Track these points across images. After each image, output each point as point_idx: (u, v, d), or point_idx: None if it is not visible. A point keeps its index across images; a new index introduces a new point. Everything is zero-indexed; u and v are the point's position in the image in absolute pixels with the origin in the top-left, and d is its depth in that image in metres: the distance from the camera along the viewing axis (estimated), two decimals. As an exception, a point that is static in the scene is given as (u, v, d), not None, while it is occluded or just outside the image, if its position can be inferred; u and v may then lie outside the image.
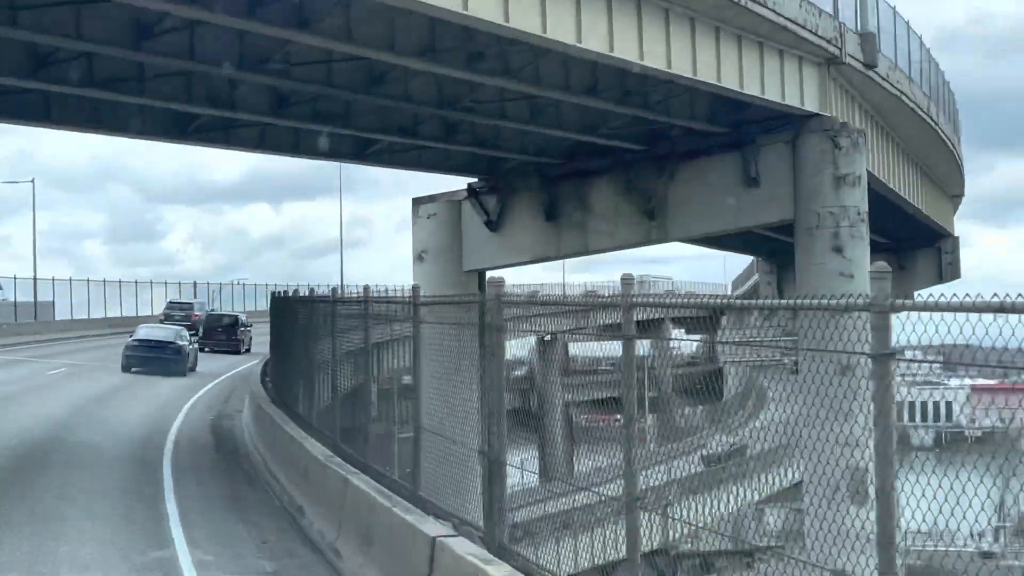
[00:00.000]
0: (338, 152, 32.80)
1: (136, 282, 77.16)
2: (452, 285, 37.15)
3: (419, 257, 38.03)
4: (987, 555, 30.53)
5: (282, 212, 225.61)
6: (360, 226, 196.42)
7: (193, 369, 42.08)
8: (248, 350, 52.82)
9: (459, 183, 38.68)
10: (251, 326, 56.67)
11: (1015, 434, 7.76)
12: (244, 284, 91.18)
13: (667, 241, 35.64)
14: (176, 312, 62.09)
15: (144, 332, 42.14)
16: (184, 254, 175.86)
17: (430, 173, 37.26)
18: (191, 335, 46.82)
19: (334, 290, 24.53)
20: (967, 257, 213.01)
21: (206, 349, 50.40)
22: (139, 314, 71.06)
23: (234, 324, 55.28)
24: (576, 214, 35.95)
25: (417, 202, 38.47)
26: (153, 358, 39.63)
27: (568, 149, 35.53)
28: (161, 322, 54.26)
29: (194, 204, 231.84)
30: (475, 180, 37.84)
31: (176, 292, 78.82)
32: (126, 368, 39.91)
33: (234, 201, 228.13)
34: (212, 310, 65.60)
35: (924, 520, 6.35)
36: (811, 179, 32.11)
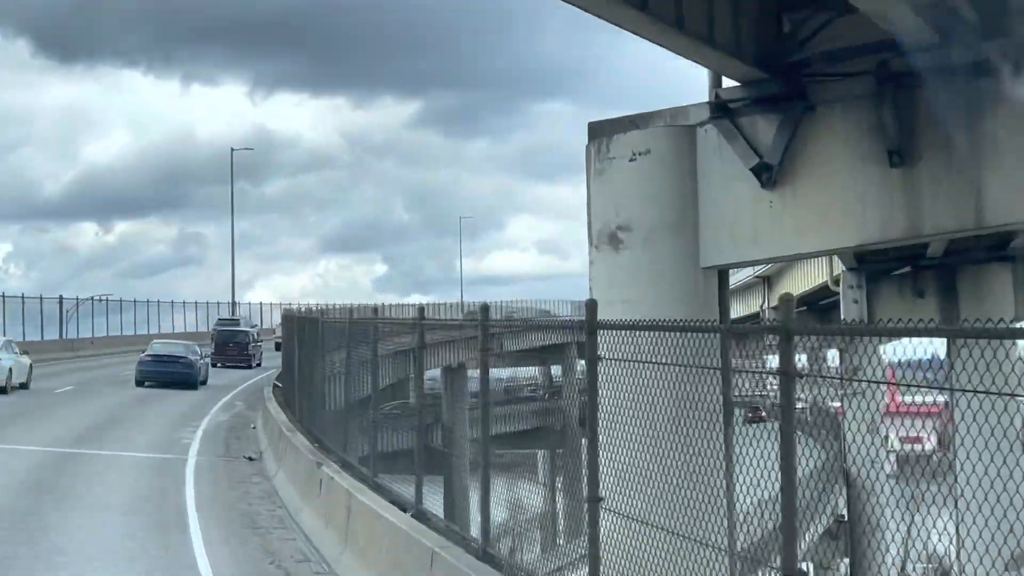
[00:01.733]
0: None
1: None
2: (680, 295, 19.19)
3: (611, 238, 19.46)
4: None
5: (111, 230, 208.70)
6: (192, 244, 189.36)
7: (204, 383, 42.03)
8: (259, 364, 53.72)
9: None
10: (262, 342, 58.15)
11: None
12: (107, 300, 74.60)
13: None
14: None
15: (157, 348, 43.00)
16: (5, 272, 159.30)
17: (669, 53, 18.12)
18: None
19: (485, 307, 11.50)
20: None
21: (218, 364, 51.03)
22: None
23: (246, 340, 56.28)
24: (957, 152, 17.88)
25: (600, 132, 19.89)
26: (166, 372, 40.50)
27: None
28: (212, 338, 56.90)
29: (15, 221, 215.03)
30: (723, 90, 19.50)
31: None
32: (140, 382, 40.36)
33: (58, 218, 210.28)
34: (223, 326, 65.08)
35: None
36: None
